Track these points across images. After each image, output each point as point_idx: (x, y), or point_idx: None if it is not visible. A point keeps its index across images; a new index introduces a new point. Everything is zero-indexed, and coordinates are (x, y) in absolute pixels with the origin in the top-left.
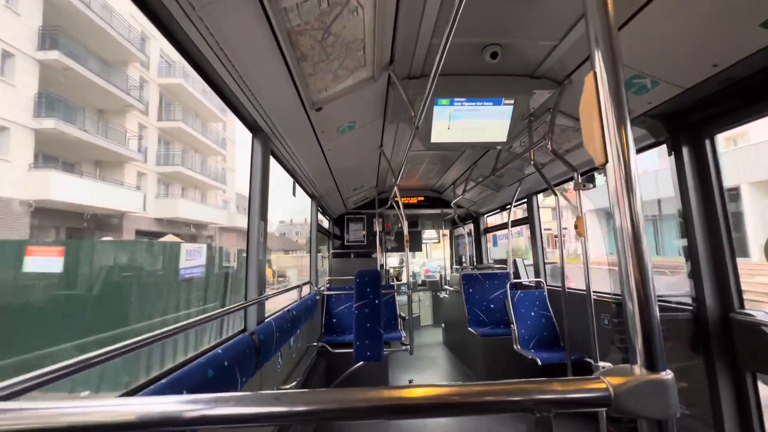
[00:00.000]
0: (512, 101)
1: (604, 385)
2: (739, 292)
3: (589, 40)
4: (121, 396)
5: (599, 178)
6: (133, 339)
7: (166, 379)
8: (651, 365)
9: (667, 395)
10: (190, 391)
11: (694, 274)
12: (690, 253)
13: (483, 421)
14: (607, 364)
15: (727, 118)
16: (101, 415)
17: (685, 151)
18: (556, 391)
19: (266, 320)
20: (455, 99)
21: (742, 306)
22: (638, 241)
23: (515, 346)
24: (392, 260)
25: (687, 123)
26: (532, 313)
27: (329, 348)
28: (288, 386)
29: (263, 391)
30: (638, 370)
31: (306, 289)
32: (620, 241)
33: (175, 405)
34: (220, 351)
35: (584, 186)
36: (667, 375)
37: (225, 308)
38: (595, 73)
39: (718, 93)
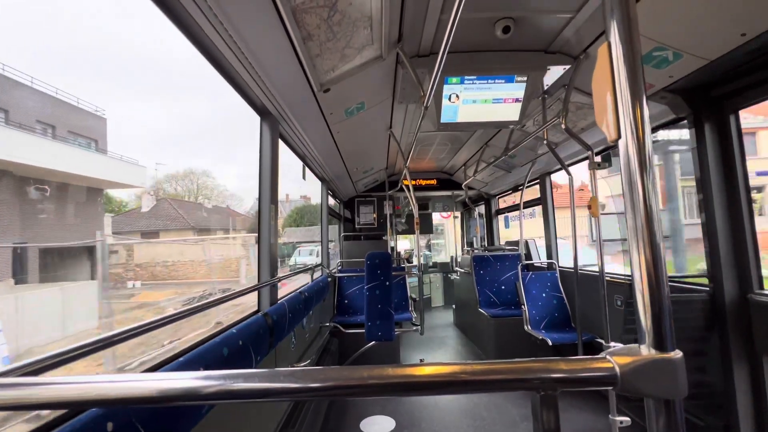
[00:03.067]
0: (525, 78)
1: (610, 365)
2: (759, 271)
3: (605, 9)
4: (142, 373)
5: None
6: (149, 319)
7: (183, 357)
8: (660, 345)
9: (675, 375)
10: (207, 369)
11: (712, 254)
12: (708, 231)
13: (492, 399)
14: (618, 345)
15: (754, 91)
16: (124, 389)
17: (707, 126)
18: (561, 370)
19: (279, 301)
20: (466, 77)
21: (761, 286)
22: (650, 219)
23: (526, 327)
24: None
25: (710, 97)
26: (544, 294)
27: (341, 328)
28: (302, 365)
29: (277, 368)
30: (646, 349)
31: (319, 272)
32: (632, 218)
33: (192, 381)
34: (234, 331)
35: (599, 165)
36: (676, 354)
37: (239, 290)
38: (609, 44)
39: (746, 65)
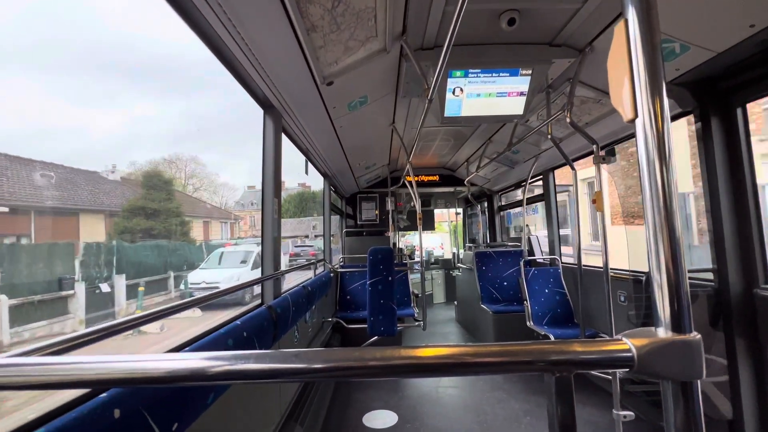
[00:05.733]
0: (530, 71)
1: (626, 346)
2: (765, 266)
3: None
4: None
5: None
6: (154, 309)
7: (189, 347)
8: (677, 327)
9: (693, 356)
10: None
11: (718, 248)
12: (714, 226)
13: (495, 394)
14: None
15: (761, 84)
16: (135, 370)
17: (714, 120)
18: (576, 352)
19: (282, 295)
20: (470, 70)
21: (767, 281)
22: (668, 201)
23: (528, 323)
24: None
25: (717, 91)
26: (546, 290)
27: (344, 323)
28: None
29: (283, 350)
30: (663, 331)
31: (321, 267)
32: (649, 199)
33: (200, 362)
34: (239, 323)
35: (604, 159)
36: (695, 336)
37: (243, 282)
38: (626, 21)
39: (754, 57)
